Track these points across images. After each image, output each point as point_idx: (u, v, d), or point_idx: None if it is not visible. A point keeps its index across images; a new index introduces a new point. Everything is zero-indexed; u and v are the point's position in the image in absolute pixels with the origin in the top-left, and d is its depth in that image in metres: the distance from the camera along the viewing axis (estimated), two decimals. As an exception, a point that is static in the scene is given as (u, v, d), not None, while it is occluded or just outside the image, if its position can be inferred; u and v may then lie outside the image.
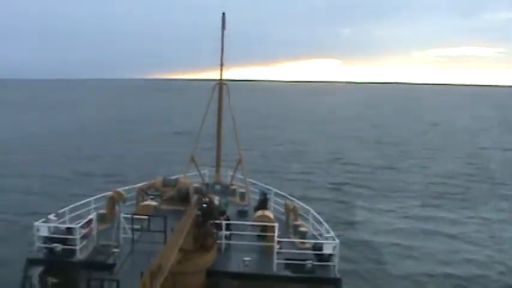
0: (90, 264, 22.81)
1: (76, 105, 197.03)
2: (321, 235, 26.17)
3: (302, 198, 34.68)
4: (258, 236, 25.52)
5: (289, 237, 25.93)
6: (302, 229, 26.78)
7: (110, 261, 22.45)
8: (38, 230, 24.14)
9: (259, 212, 27.20)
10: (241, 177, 35.87)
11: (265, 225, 25.10)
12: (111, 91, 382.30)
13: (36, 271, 22.80)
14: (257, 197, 31.50)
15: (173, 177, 32.52)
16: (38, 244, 23.76)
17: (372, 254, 38.05)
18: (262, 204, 29.72)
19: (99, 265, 22.45)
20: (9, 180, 55.71)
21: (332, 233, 24.59)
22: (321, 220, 26.83)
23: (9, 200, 46.11)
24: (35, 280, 22.57)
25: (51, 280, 22.78)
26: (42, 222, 24.54)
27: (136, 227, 24.22)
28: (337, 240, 23.35)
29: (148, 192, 31.23)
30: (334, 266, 22.63)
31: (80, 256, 23.39)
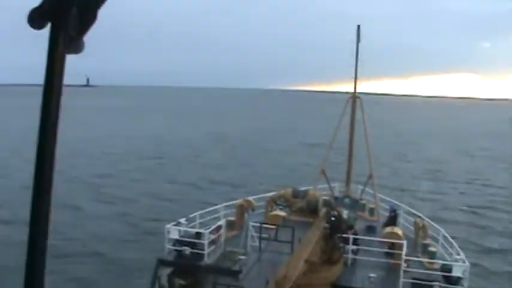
0: (216, 269, 23.33)
1: (213, 113, 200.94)
2: (450, 256, 25.03)
3: (433, 218, 33.26)
4: (386, 253, 24.98)
5: (417, 256, 25.13)
6: (431, 249, 25.93)
7: (236, 267, 22.81)
8: (169, 232, 25.11)
9: (388, 229, 26.68)
10: (371, 192, 35.25)
11: (393, 242, 24.61)
12: (246, 100, 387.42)
13: (165, 272, 23.63)
14: (386, 213, 31.01)
15: (303, 189, 32.72)
16: (168, 246, 24.64)
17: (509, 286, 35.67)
18: (392, 220, 29.18)
19: (225, 271, 22.88)
20: (145, 184, 58.29)
21: (463, 256, 23.62)
22: (452, 241, 25.89)
23: (142, 204, 48.36)
24: (164, 280, 23.45)
25: (179, 282, 23.55)
26: (174, 225, 25.52)
27: (264, 236, 24.59)
28: (467, 263, 22.43)
29: (278, 202, 31.61)
30: None
31: (207, 260, 23.94)
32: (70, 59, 1.67)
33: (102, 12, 1.74)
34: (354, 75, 34.63)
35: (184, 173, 67.27)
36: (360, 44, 34.14)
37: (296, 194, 31.49)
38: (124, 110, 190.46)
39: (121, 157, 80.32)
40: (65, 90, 1.72)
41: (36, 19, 1.76)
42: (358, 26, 34.45)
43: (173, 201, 49.56)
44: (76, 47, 1.81)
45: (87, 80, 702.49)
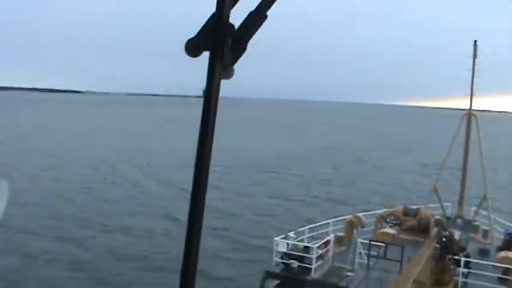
0: (323, 284, 23.27)
1: (329, 126, 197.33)
2: None
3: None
4: (499, 278, 23.96)
5: None
6: None
7: (343, 283, 22.76)
8: (277, 245, 25.42)
9: (503, 253, 25.81)
10: (485, 213, 33.90)
11: (509, 268, 23.69)
12: (359, 114, 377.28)
13: (272, 284, 23.81)
14: (501, 237, 29.81)
15: (414, 207, 32.19)
16: (276, 259, 24.86)
17: None
18: (507, 244, 27.83)
19: (332, 286, 22.80)
20: (253, 198, 58.63)
21: None
22: None
23: (247, 217, 48.56)
24: (270, 292, 23.78)
25: (285, 294, 23.79)
26: (282, 238, 25.84)
27: (372, 253, 24.46)
28: None
29: (388, 219, 31.37)
30: None
31: (314, 275, 23.93)
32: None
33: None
34: (469, 91, 33.91)
35: (292, 187, 67.31)
36: (476, 60, 33.32)
37: (407, 212, 31.05)
38: (242, 122, 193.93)
39: (239, 170, 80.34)
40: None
41: (193, 49, 2.04)
42: (475, 42, 33.51)
43: (278, 216, 49.25)
44: (228, 73, 2.05)
45: (203, 92, 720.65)
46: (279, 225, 41.71)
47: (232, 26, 2.05)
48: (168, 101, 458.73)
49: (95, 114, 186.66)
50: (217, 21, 2.01)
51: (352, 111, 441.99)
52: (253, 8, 2.09)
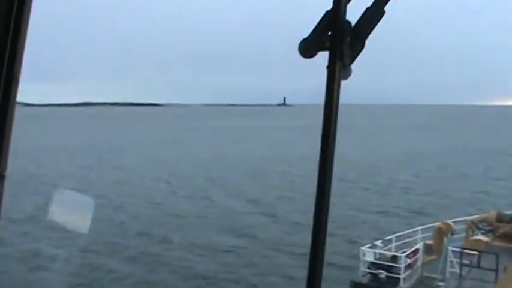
0: None
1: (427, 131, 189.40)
2: None
3: None
4: None
5: None
6: None
7: (434, 294, 22.34)
8: (364, 254, 24.92)
9: None
10: None
11: None
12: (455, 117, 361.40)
13: (361, 295, 23.62)
14: None
15: (509, 213, 30.80)
16: (363, 269, 24.42)
17: None
18: None
19: None
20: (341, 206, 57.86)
21: None
22: None
23: (335, 226, 47.84)
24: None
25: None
26: (369, 247, 25.29)
27: (465, 262, 23.59)
28: None
29: (480, 226, 29.99)
30: None
31: (403, 285, 23.39)
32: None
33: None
34: None
35: (371, 195, 64.13)
36: None
37: (501, 218, 29.64)
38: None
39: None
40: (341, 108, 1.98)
41: (307, 50, 2.03)
42: None
43: (359, 226, 47.44)
44: (346, 73, 2.03)
45: (284, 100, 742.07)
46: (362, 235, 40.57)
47: (349, 23, 2.02)
48: (248, 110, 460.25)
49: (174, 126, 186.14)
50: (335, 18, 1.99)
51: (428, 113, 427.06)
52: (368, 4, 2.06)
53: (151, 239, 40.09)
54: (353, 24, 2.02)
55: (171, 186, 64.85)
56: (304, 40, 2.02)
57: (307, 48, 2.01)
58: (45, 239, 36.15)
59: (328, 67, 1.96)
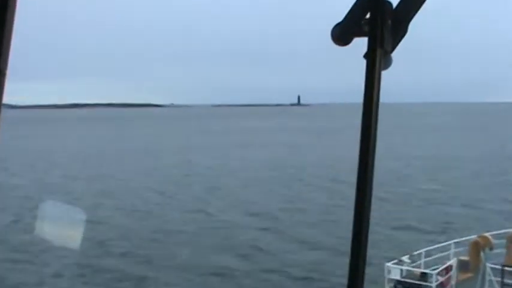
0: None
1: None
2: None
3: None
4: None
5: None
6: None
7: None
8: (389, 272, 23.89)
9: None
10: None
11: None
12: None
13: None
14: None
15: None
16: None
17: None
18: None
19: None
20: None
21: None
22: None
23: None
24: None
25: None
26: (394, 264, 24.26)
27: (506, 281, 22.72)
28: None
29: (523, 240, 28.94)
30: None
31: None
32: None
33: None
34: None
35: (391, 206, 59.83)
36: None
37: None
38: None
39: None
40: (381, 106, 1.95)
41: (341, 36, 1.96)
42: None
43: (382, 239, 47.11)
44: (387, 62, 1.95)
45: (298, 99, 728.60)
46: (384, 250, 38.44)
47: (390, 4, 1.95)
48: (259, 111, 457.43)
49: (175, 130, 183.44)
50: None
51: (460, 111, 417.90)
52: None
53: (135, 259, 38.39)
54: (394, 5, 1.95)
55: (163, 197, 62.57)
56: (338, 25, 1.96)
57: (343, 33, 1.95)
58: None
59: (366, 55, 1.90)
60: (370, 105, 1.90)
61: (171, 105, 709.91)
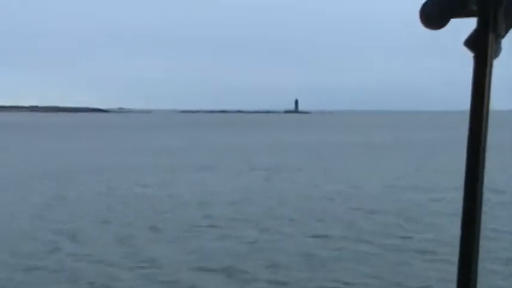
0: None
1: None
2: None
3: None
4: None
5: None
6: None
7: None
8: None
9: None
10: None
11: None
12: None
13: None
14: None
15: None
16: None
17: None
18: None
19: None
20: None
21: None
22: None
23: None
24: None
25: None
26: None
27: None
28: None
29: None
30: None
31: None
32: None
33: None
34: None
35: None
36: None
37: None
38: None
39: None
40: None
41: (435, 17, 1.79)
42: None
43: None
44: (496, 50, 1.84)
45: (296, 103, 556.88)
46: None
47: None
48: (243, 119, 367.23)
49: (108, 144, 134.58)
50: None
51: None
52: None
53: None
54: None
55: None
56: (429, 2, 1.81)
57: (435, 15, 1.80)
58: None
59: (471, 41, 1.80)
60: (479, 103, 1.78)
61: (120, 110, 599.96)
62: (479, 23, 1.74)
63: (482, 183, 1.83)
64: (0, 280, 28.70)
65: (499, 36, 1.78)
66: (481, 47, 1.74)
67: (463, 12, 1.75)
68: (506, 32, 1.78)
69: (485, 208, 2.53)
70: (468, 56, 1.81)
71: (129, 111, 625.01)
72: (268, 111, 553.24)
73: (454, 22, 1.77)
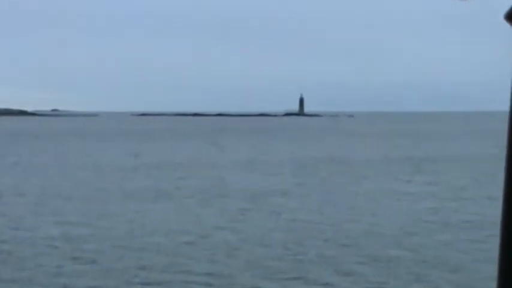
0: None
1: None
2: None
3: None
4: None
5: None
6: None
7: None
8: None
9: None
10: None
11: None
12: None
13: None
14: None
15: None
16: None
17: None
18: None
19: None
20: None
21: None
22: None
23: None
24: None
25: None
26: None
27: None
28: None
29: None
30: None
31: None
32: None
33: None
34: None
35: None
36: None
37: None
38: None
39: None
40: None
41: None
42: None
43: None
44: None
45: (300, 102, 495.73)
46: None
47: None
48: (228, 124, 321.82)
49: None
50: None
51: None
52: None
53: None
54: None
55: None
56: None
57: None
58: None
59: None
60: None
61: (55, 113, 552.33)
62: None
63: None
64: None
65: None
66: None
67: None
68: None
69: None
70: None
71: (69, 113, 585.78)
72: (262, 114, 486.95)
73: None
